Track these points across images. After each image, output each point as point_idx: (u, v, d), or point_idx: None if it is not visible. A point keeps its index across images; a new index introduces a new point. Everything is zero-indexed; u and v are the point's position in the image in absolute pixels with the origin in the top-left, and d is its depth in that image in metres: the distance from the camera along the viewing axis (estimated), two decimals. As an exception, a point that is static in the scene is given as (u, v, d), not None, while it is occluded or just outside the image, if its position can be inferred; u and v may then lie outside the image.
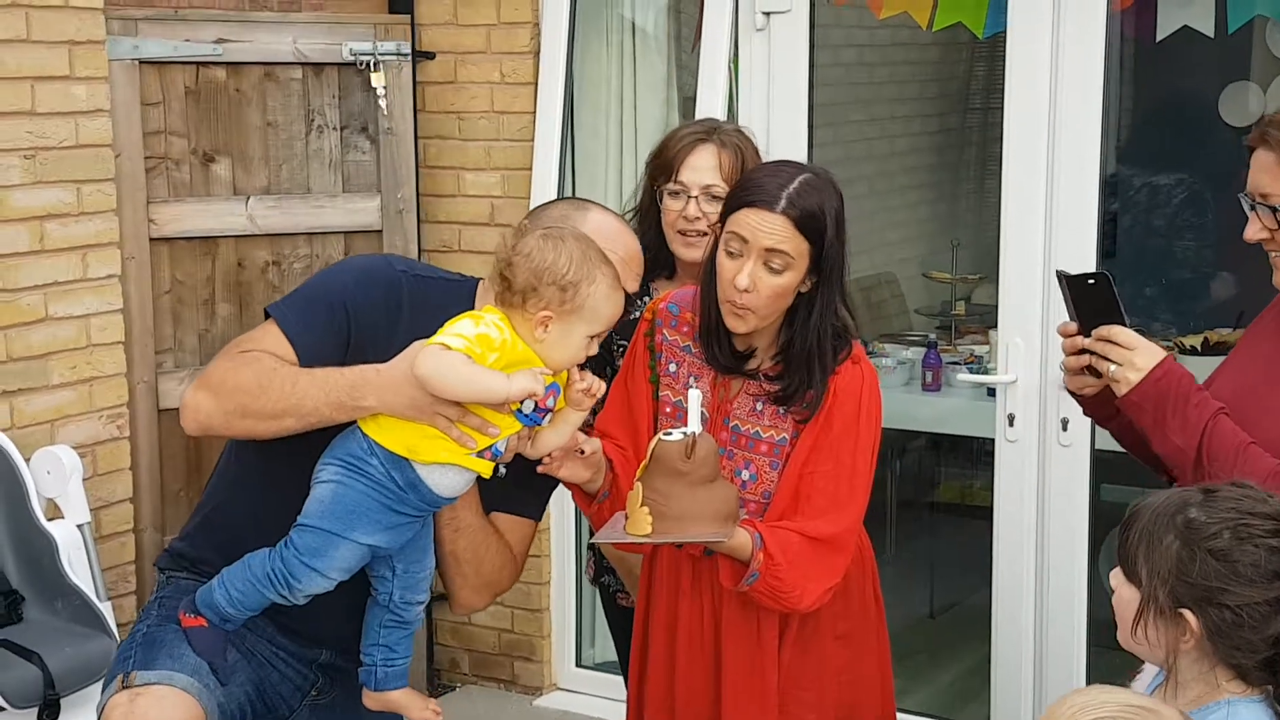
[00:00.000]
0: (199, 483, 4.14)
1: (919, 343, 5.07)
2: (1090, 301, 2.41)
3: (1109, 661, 4.07)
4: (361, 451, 2.31)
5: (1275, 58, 5.70)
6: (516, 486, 2.52)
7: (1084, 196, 3.69)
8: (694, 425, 2.27)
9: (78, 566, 3.49)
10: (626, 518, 2.31)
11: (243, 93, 4.20)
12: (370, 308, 2.39)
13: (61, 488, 3.55)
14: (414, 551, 2.40)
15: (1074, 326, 2.44)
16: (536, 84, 4.45)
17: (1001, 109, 3.83)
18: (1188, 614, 1.85)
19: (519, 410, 2.29)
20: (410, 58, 4.38)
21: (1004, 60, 3.81)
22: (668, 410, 2.53)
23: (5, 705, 3.19)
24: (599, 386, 2.33)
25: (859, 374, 2.46)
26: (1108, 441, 4.02)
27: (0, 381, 3.64)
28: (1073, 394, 2.54)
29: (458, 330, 2.25)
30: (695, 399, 2.29)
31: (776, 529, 2.40)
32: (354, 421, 2.32)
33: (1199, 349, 4.84)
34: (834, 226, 2.39)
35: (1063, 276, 2.46)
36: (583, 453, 2.39)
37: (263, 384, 2.30)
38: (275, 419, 2.30)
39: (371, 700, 2.46)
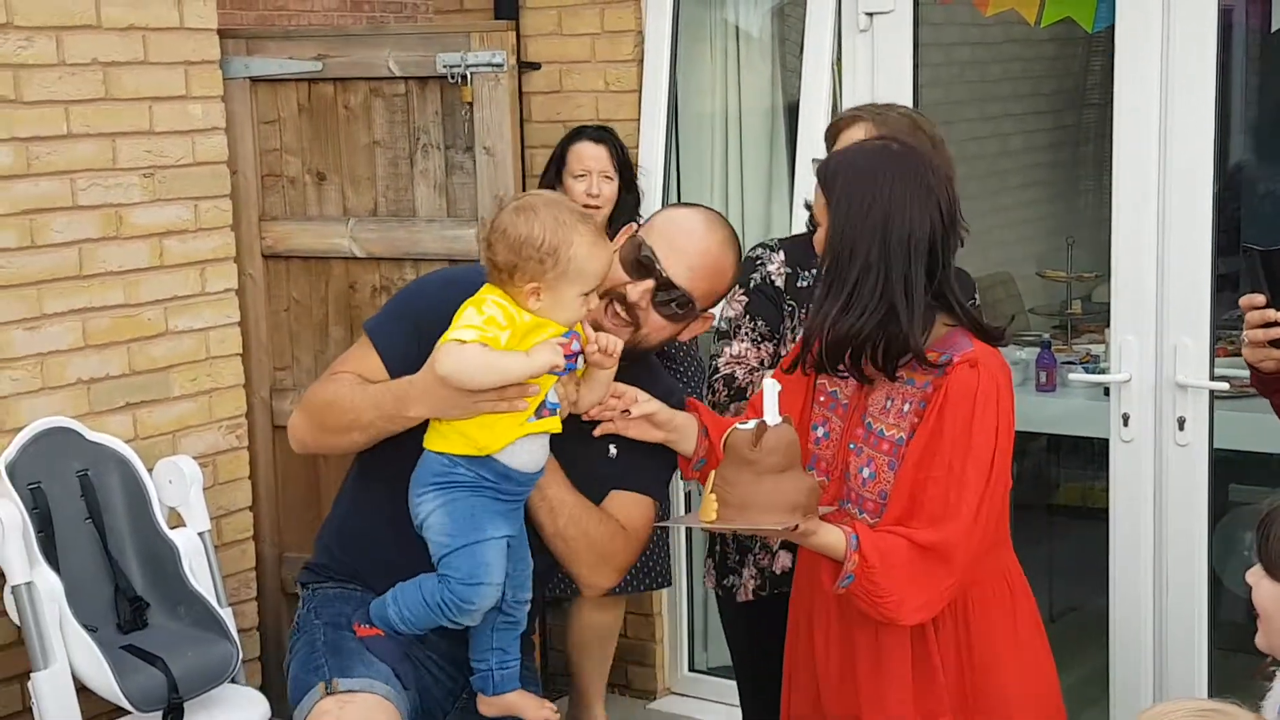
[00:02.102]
0: (314, 495, 4.23)
1: (1033, 343, 5.00)
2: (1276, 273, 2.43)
3: (1231, 665, 3.99)
4: (442, 468, 2.38)
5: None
6: (628, 467, 2.56)
7: (1197, 191, 3.61)
8: (769, 416, 2.27)
9: (199, 573, 3.58)
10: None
11: (351, 109, 4.17)
12: (451, 312, 2.43)
13: (183, 497, 3.65)
14: (518, 549, 2.44)
15: (1261, 299, 2.46)
16: (641, 91, 4.47)
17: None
18: None
19: (566, 367, 2.37)
20: (505, 68, 4.09)
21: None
22: (821, 399, 2.54)
23: (131, 709, 3.29)
24: (614, 344, 2.37)
25: (974, 379, 2.36)
26: (1232, 441, 3.97)
27: (123, 394, 3.75)
28: (1250, 365, 2.56)
29: (465, 321, 2.32)
30: (771, 389, 2.30)
31: (884, 533, 2.36)
32: (415, 435, 2.41)
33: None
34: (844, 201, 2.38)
35: (1252, 250, 2.47)
36: (628, 412, 2.47)
37: (331, 402, 2.45)
38: (344, 433, 2.44)
39: (488, 706, 2.50)
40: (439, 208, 4.11)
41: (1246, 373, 3.27)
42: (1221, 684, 3.82)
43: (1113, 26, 3.76)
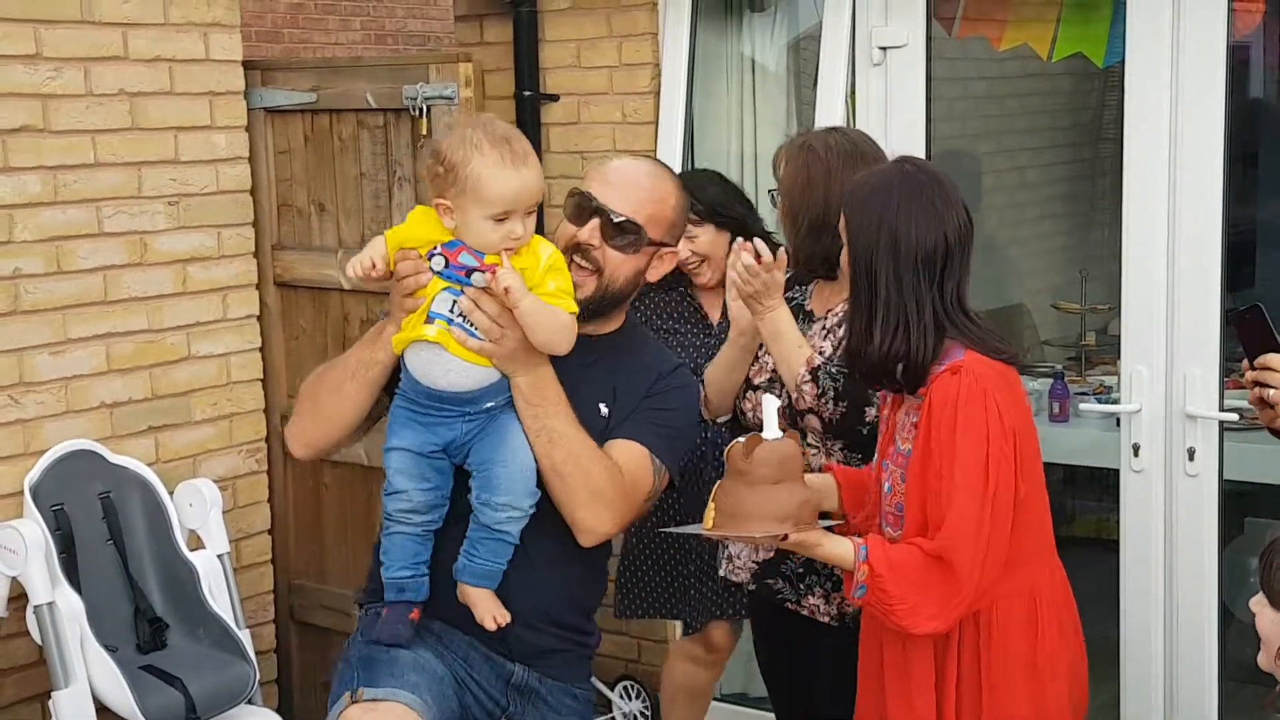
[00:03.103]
0: (317, 523, 4.26)
1: (1047, 374, 5.03)
2: (1251, 333, 2.47)
3: (1242, 695, 4.00)
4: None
5: None
6: (621, 422, 2.61)
7: (1207, 224, 3.64)
8: (767, 430, 2.37)
9: (218, 595, 3.63)
10: None
11: (343, 141, 4.15)
12: None
13: (203, 519, 3.70)
14: (483, 450, 2.50)
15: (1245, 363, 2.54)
16: (657, 123, 4.53)
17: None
18: None
19: (441, 271, 2.44)
20: (456, 100, 3.93)
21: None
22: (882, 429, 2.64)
23: (149, 729, 3.34)
24: (500, 283, 2.40)
25: (955, 385, 2.42)
26: (1244, 473, 3.99)
27: (146, 418, 3.81)
28: (1271, 430, 2.61)
29: None
30: (770, 404, 2.41)
31: (898, 545, 2.42)
32: None
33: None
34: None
35: (1230, 314, 2.54)
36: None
37: (320, 373, 2.62)
38: (337, 390, 2.55)
39: (460, 593, 2.55)
40: None
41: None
42: (1232, 714, 3.84)
43: (1123, 62, 3.81)
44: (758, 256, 2.87)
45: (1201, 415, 3.68)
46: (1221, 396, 3.72)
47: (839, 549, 2.39)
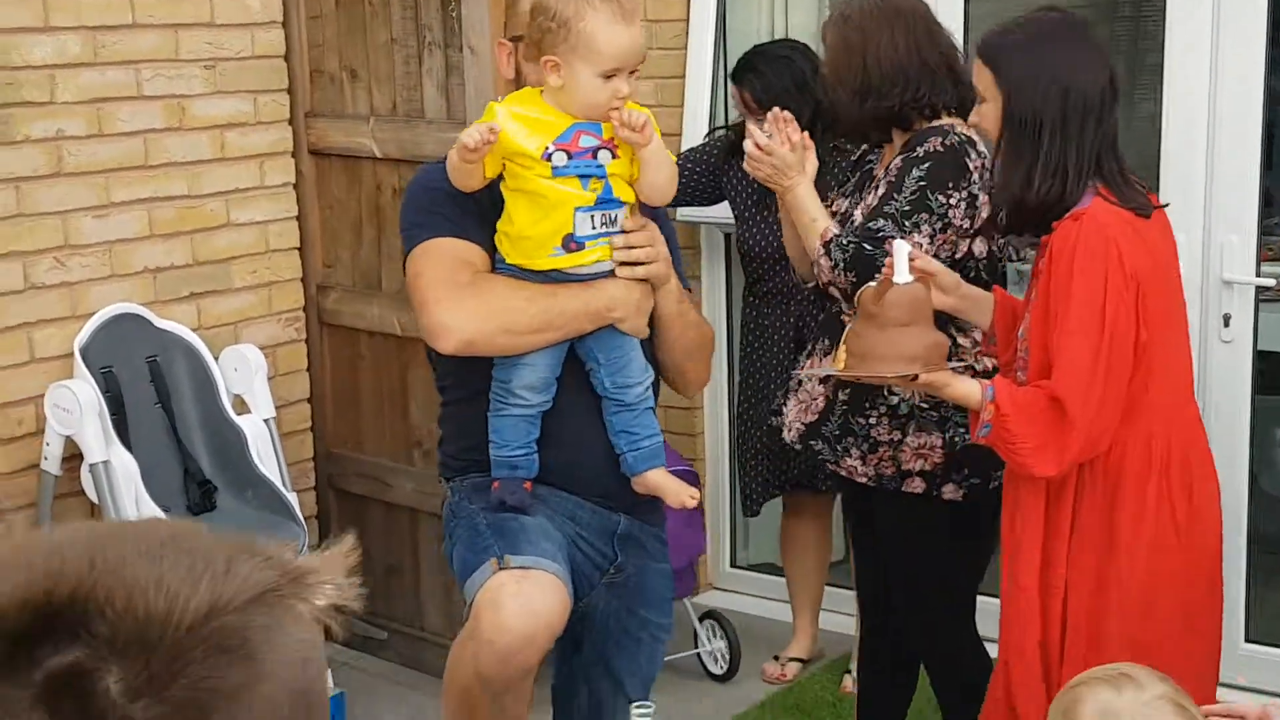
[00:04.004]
0: (354, 393, 4.27)
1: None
2: None
3: (1269, 564, 4.09)
4: None
5: None
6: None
7: (1249, 94, 3.66)
8: (898, 274, 2.43)
9: (265, 459, 3.66)
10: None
11: (374, 5, 4.03)
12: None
13: (248, 384, 3.72)
14: (607, 340, 2.54)
15: None
16: (689, 10, 4.49)
17: (1155, 18, 3.80)
18: None
19: (564, 167, 2.41)
20: None
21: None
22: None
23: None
24: (636, 116, 2.41)
25: (1075, 230, 2.47)
26: (1271, 342, 4.04)
27: (187, 284, 3.81)
28: None
29: None
30: (901, 249, 2.47)
31: (1023, 387, 2.48)
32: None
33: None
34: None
35: None
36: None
37: (520, 304, 2.49)
38: (538, 332, 2.50)
39: (636, 485, 2.61)
40: (441, 108, 3.94)
41: None
42: (1260, 582, 3.92)
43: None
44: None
45: (1238, 281, 3.72)
46: (1259, 264, 3.75)
47: (966, 389, 2.47)
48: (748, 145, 3.03)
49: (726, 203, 4.02)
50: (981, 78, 2.56)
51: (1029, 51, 2.50)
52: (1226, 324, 3.75)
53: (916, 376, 2.45)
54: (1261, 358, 3.83)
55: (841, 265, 2.87)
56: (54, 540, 0.86)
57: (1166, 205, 2.73)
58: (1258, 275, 3.74)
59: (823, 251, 2.91)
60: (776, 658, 4.13)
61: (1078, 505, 2.56)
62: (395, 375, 4.16)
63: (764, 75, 3.72)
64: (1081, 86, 2.48)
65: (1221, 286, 3.74)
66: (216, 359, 3.72)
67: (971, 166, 2.92)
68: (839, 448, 3.06)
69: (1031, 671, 2.58)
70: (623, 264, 2.51)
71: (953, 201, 2.90)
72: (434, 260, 2.50)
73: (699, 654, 4.05)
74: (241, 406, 3.74)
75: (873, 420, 2.98)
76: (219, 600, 0.83)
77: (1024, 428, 2.43)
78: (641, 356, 2.58)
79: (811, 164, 3.01)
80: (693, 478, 3.74)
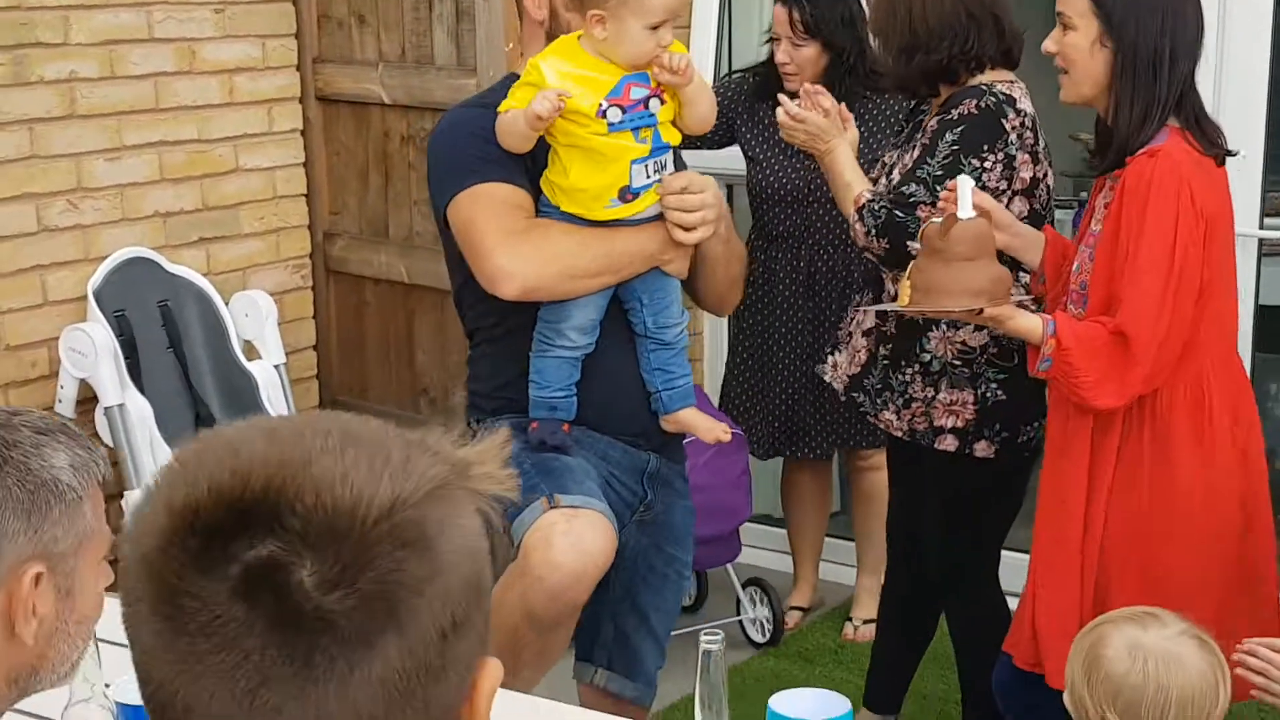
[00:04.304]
0: (360, 339, 4.28)
1: (1065, 205, 5.09)
2: None
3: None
4: None
5: None
6: None
7: (1253, 53, 3.69)
8: (962, 209, 2.47)
9: (276, 404, 3.67)
10: None
11: None
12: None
13: (258, 330, 3.72)
14: (653, 280, 2.56)
15: None
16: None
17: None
18: None
19: (619, 123, 2.41)
20: None
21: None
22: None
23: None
24: (678, 59, 2.40)
25: (1150, 167, 2.48)
26: (1272, 297, 4.09)
27: (197, 229, 3.81)
28: None
29: (509, 95, 2.46)
30: (965, 184, 2.50)
31: (1083, 322, 2.51)
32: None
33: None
34: None
35: None
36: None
37: (574, 249, 2.48)
38: (594, 276, 2.50)
39: (668, 423, 2.62)
40: (451, 55, 3.95)
41: None
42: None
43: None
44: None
45: (1242, 234, 3.74)
46: (1262, 216, 3.79)
47: (1028, 323, 2.50)
48: (780, 114, 3.04)
49: (735, 147, 4.02)
50: (1074, 5, 2.57)
51: None
52: (1223, 280, 3.79)
53: (982, 311, 2.48)
54: (1262, 313, 3.87)
55: (875, 231, 2.88)
56: (234, 439, 0.88)
57: (1238, 153, 2.76)
58: (1261, 228, 3.78)
59: (856, 217, 2.93)
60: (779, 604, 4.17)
61: (1124, 443, 2.59)
62: (401, 323, 4.17)
63: (826, 4, 3.67)
64: (1184, 23, 2.51)
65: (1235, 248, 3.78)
66: (226, 304, 3.72)
67: (1008, 126, 2.91)
68: (878, 401, 3.11)
69: (1065, 597, 2.62)
70: (677, 226, 2.52)
71: (987, 165, 2.89)
72: (485, 206, 2.48)
73: (741, 621, 4.04)
74: (251, 352, 3.75)
75: (908, 376, 3.02)
76: (400, 494, 0.85)
77: (1086, 361, 2.46)
78: (680, 298, 2.61)
79: (852, 133, 3.04)
80: (740, 440, 3.77)
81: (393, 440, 0.89)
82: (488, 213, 2.47)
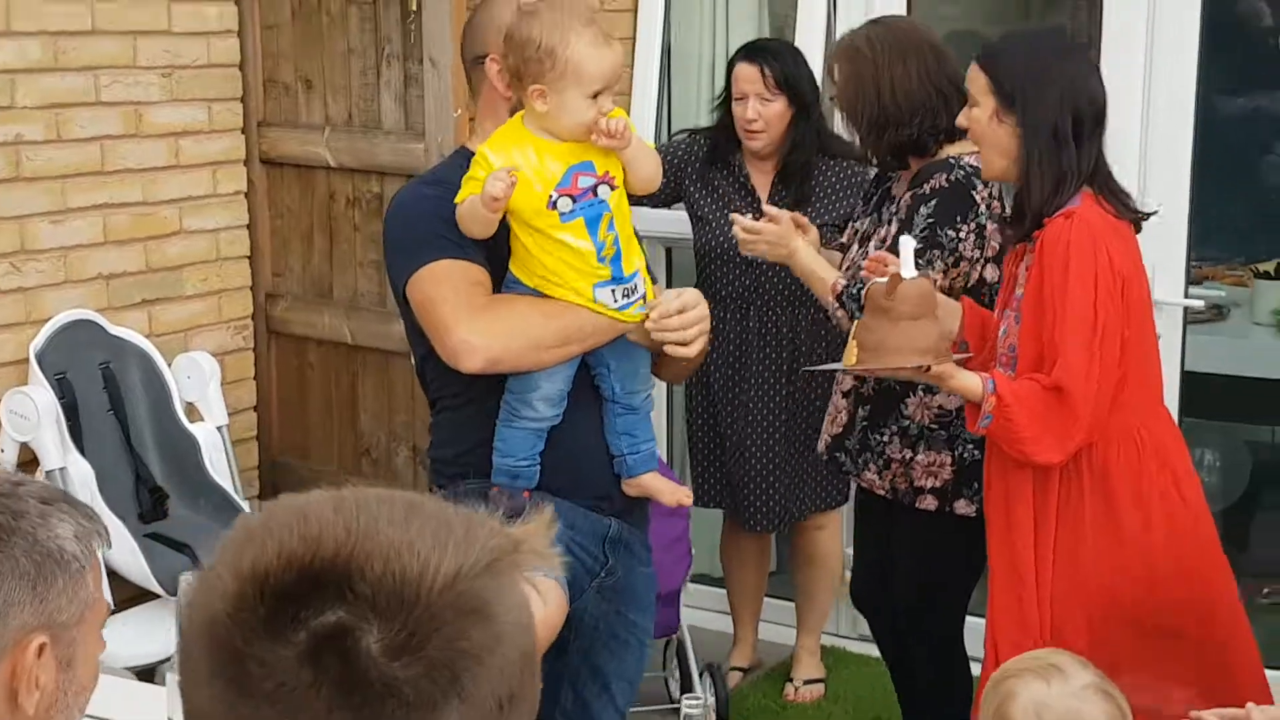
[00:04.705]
0: (302, 401, 4.29)
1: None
2: None
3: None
4: None
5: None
6: None
7: (1178, 120, 3.80)
8: (905, 269, 2.54)
9: (218, 466, 3.67)
10: None
11: (332, 16, 4.07)
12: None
13: (201, 391, 3.73)
14: (622, 347, 2.58)
15: None
16: (636, 11, 4.56)
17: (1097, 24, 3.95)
18: None
19: (570, 211, 2.43)
20: None
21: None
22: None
23: (162, 592, 3.38)
24: (616, 124, 2.39)
25: (1067, 228, 2.58)
26: (1201, 365, 4.19)
27: (140, 290, 3.81)
28: None
29: (461, 187, 2.47)
30: (907, 244, 2.60)
31: (1018, 378, 2.60)
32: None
33: (1273, 274, 4.97)
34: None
35: None
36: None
37: (539, 320, 2.48)
38: (559, 347, 2.50)
39: (630, 487, 2.64)
40: (399, 120, 3.98)
41: (1219, 294, 3.84)
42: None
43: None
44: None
45: (1167, 303, 3.86)
46: (1187, 286, 3.90)
47: (969, 381, 2.58)
48: (736, 230, 3.17)
49: (671, 211, 4.08)
50: (977, 83, 2.68)
51: (1037, 62, 2.64)
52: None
53: (928, 368, 2.55)
54: (1189, 379, 3.97)
55: (856, 314, 2.93)
56: (302, 507, 0.89)
57: (1155, 213, 2.87)
58: (1186, 297, 3.89)
59: (836, 304, 3.02)
60: (718, 666, 4.19)
61: (1064, 503, 2.67)
62: (345, 384, 4.18)
63: (785, 59, 3.76)
64: (1086, 98, 2.63)
65: (1152, 308, 3.88)
66: (169, 366, 3.72)
67: (979, 197, 3.01)
68: (859, 461, 3.19)
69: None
70: (669, 343, 2.55)
71: (962, 234, 3.00)
72: (445, 282, 2.49)
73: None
74: (194, 414, 3.75)
75: (886, 437, 3.10)
76: (464, 564, 0.87)
77: (1025, 416, 2.55)
78: (649, 366, 2.65)
79: (812, 234, 3.17)
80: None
81: (451, 513, 0.91)
82: (447, 289, 2.49)
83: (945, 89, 3.01)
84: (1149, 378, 2.76)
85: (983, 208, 3.01)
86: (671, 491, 2.63)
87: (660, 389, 4.50)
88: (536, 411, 2.53)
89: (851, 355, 2.60)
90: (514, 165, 2.41)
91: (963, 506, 3.09)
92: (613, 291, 2.49)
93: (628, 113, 4.43)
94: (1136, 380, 2.69)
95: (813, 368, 3.17)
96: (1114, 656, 2.51)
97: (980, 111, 2.69)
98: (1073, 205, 2.63)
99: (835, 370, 2.97)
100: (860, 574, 3.40)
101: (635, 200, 3.40)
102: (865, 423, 3.13)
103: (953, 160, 3.03)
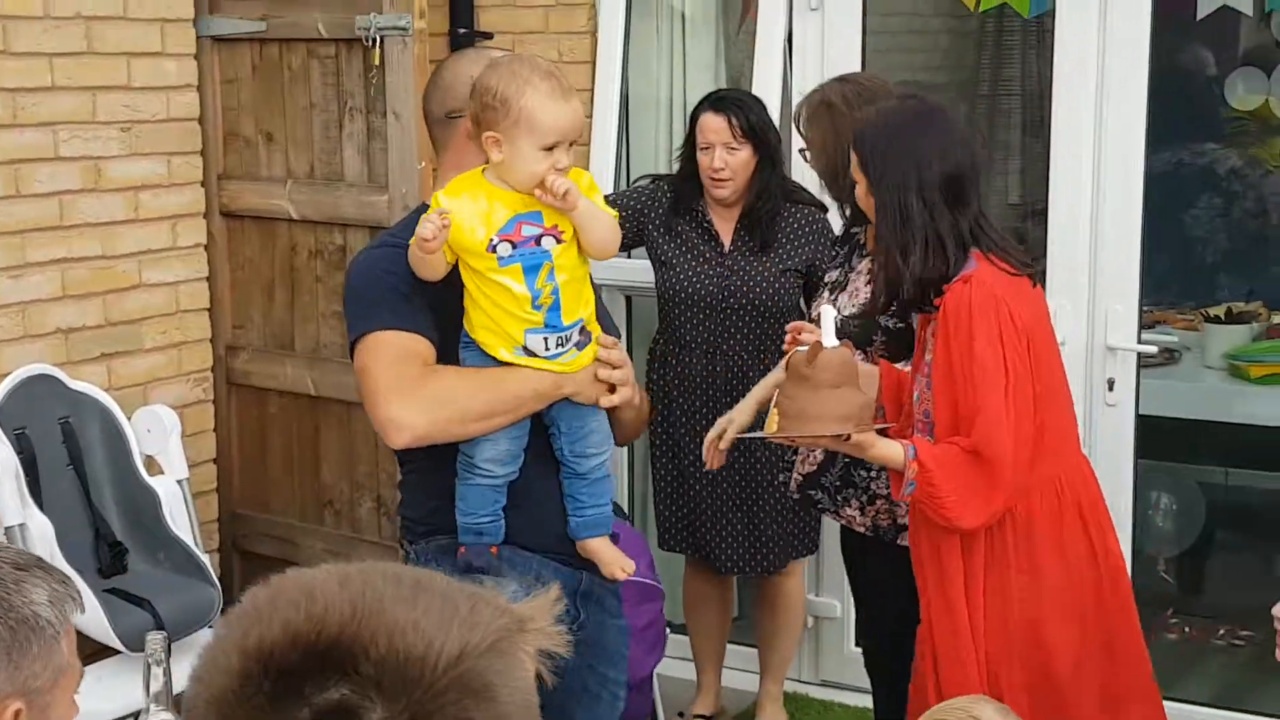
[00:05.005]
0: (261, 454, 4.28)
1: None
2: None
3: (1150, 622, 4.27)
4: None
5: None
6: None
7: (1129, 167, 3.87)
8: (826, 338, 2.57)
9: (178, 520, 3.66)
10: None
11: (293, 71, 4.11)
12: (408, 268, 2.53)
13: (162, 445, 3.71)
14: (571, 411, 2.59)
15: None
16: (594, 63, 4.61)
17: (1009, 97, 4.03)
18: None
19: (509, 257, 2.45)
20: (410, 31, 3.84)
21: (1051, 41, 3.99)
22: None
23: (123, 648, 3.36)
24: (559, 184, 2.41)
25: (967, 292, 2.64)
26: (1155, 408, 4.26)
27: (99, 344, 3.81)
28: None
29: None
30: (828, 314, 2.62)
31: (940, 444, 2.62)
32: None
33: (1222, 318, 5.05)
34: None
35: None
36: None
37: (467, 392, 2.49)
38: (485, 419, 2.51)
39: (579, 549, 2.64)
40: (361, 173, 4.03)
41: (1170, 339, 3.91)
42: (1146, 638, 4.10)
43: (1049, 12, 4.01)
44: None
45: (1121, 348, 3.92)
46: (1140, 331, 3.97)
47: (890, 449, 2.60)
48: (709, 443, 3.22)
49: (630, 259, 4.11)
50: (854, 161, 2.76)
51: (890, 137, 2.70)
52: (1111, 388, 3.95)
53: (849, 436, 2.57)
54: (1143, 423, 4.03)
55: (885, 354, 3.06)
56: (307, 583, 0.90)
57: (1040, 268, 2.94)
58: (1139, 342, 3.95)
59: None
60: (681, 715, 4.20)
61: (990, 557, 2.71)
62: (307, 435, 4.18)
63: (750, 108, 3.82)
64: (940, 169, 2.66)
65: (1106, 352, 3.94)
66: (128, 419, 3.71)
67: None
68: (839, 498, 3.22)
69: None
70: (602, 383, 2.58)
71: None
72: (381, 355, 2.51)
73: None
74: (154, 467, 3.73)
75: (873, 473, 3.12)
76: (468, 644, 0.88)
77: (948, 482, 2.58)
78: (605, 428, 2.64)
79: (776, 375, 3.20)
80: (653, 592, 3.80)
81: (457, 591, 0.92)
82: (381, 363, 2.50)
83: None
84: (1064, 425, 2.81)
85: None
86: (610, 561, 2.62)
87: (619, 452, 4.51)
88: (486, 470, 2.54)
89: (773, 423, 2.62)
90: (460, 209, 2.44)
91: None
92: (545, 339, 2.50)
93: (587, 162, 4.55)
94: (1053, 428, 2.74)
95: (737, 435, 3.19)
96: (1047, 700, 2.57)
97: (860, 188, 2.77)
98: (968, 269, 2.68)
99: (758, 438, 2.99)
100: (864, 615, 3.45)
101: None
102: (847, 459, 3.15)
103: None
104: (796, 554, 3.99)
